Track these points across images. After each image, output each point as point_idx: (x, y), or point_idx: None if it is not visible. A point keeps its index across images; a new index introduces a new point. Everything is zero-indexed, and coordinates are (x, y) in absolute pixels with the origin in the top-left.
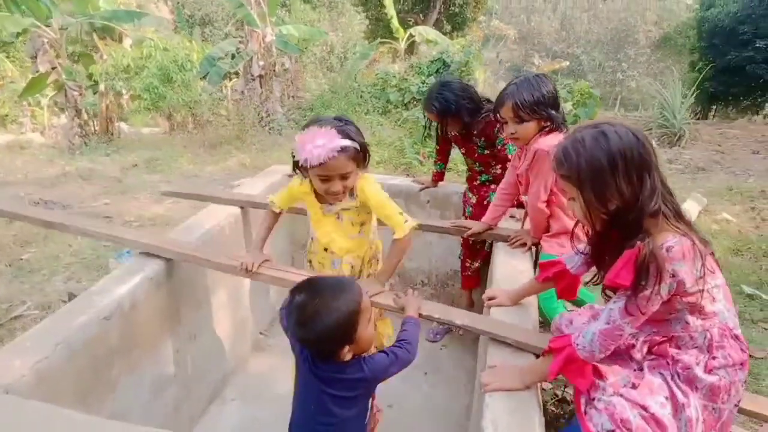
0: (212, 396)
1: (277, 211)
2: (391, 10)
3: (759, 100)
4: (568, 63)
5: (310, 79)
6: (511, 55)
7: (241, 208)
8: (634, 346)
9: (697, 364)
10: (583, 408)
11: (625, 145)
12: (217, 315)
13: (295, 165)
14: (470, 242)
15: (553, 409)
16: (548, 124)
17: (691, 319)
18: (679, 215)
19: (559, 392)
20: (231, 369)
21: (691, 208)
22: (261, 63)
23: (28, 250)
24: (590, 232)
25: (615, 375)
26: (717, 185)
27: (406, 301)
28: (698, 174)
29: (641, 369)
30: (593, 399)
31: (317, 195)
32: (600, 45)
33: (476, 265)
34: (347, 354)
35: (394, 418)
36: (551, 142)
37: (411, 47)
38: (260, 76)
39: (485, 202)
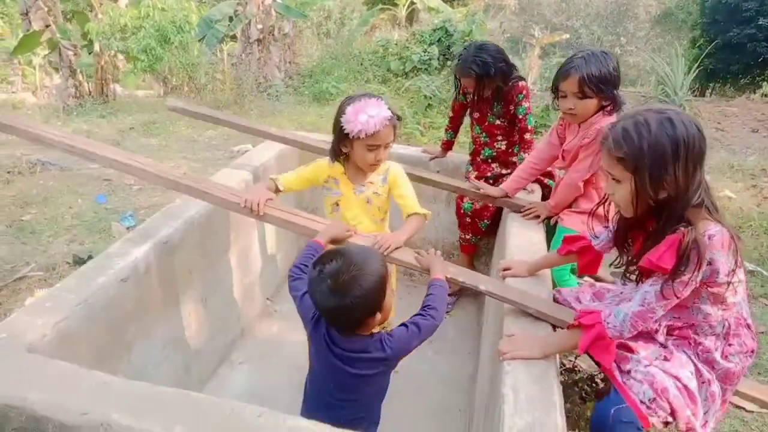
0: (221, 359)
1: (281, 189)
2: None
3: (757, 78)
4: (567, 36)
5: (308, 45)
6: (510, 25)
7: (252, 172)
8: (657, 330)
9: (716, 349)
10: (620, 379)
11: (689, 135)
12: (227, 279)
13: (339, 139)
14: (463, 214)
15: (565, 378)
16: (609, 103)
17: (712, 309)
18: (716, 208)
19: (567, 362)
20: (239, 333)
21: None
22: (260, 27)
23: (28, 211)
24: (620, 216)
25: (645, 350)
26: (718, 163)
27: (430, 260)
28: None
29: (666, 346)
30: (628, 371)
31: (349, 176)
32: (599, 18)
33: (468, 237)
34: (376, 323)
35: (400, 385)
36: (609, 120)
37: (411, 15)
38: (258, 41)
39: (484, 180)
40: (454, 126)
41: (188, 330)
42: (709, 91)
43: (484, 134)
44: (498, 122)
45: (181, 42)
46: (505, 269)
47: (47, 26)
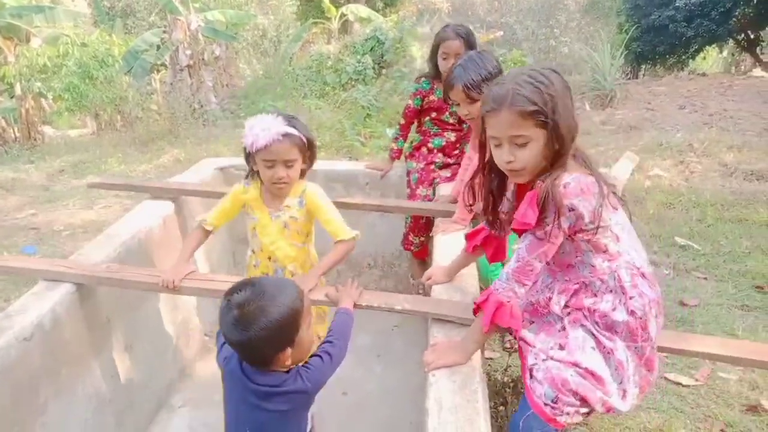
0: (159, 404)
1: (210, 229)
2: None
3: (683, 57)
4: (502, 33)
5: (243, 66)
6: None
7: (173, 201)
8: (551, 298)
9: (614, 309)
10: (528, 383)
11: (563, 82)
12: (154, 320)
13: (247, 157)
14: (419, 215)
15: (500, 378)
16: None
17: (597, 261)
18: (586, 157)
19: (505, 361)
20: (176, 375)
21: (624, 166)
22: (188, 52)
23: None
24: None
25: (542, 342)
26: (648, 142)
27: (341, 294)
28: (630, 132)
29: (564, 328)
30: (531, 371)
31: (265, 200)
32: (532, 13)
33: (422, 239)
34: (288, 358)
35: (350, 405)
36: None
37: (345, 26)
38: (189, 66)
39: (432, 167)
40: (405, 134)
41: (115, 380)
42: (642, 72)
43: (435, 128)
44: (451, 120)
45: (106, 76)
46: (428, 279)
47: None
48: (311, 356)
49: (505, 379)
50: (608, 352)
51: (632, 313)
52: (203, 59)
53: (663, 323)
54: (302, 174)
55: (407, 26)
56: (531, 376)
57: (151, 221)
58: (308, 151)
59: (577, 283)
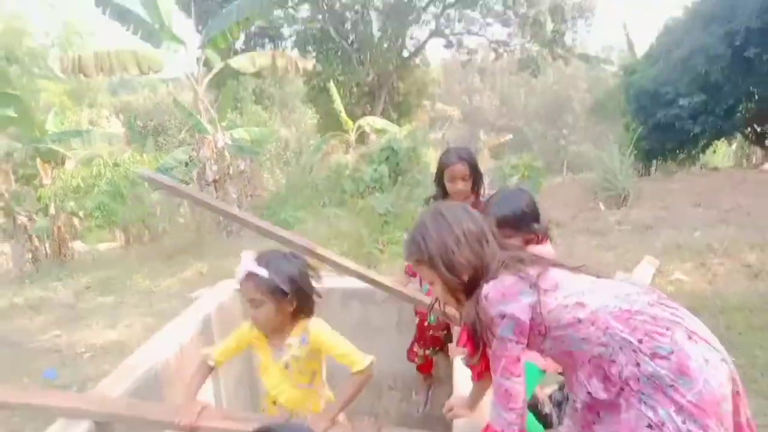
0: None
1: (212, 364)
2: (339, 105)
3: (693, 151)
4: (511, 136)
5: (267, 176)
6: (457, 133)
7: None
8: (589, 392)
9: (638, 364)
10: None
11: (460, 221)
12: None
13: None
14: (425, 326)
15: None
16: (533, 237)
17: (581, 333)
18: (521, 260)
19: None
20: None
21: (645, 271)
22: (214, 168)
23: None
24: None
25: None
26: (666, 242)
27: None
28: (647, 232)
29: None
30: None
31: (269, 339)
32: (539, 116)
33: (426, 352)
34: None
35: None
36: (542, 250)
37: (362, 137)
38: (215, 181)
39: None
40: None
41: None
42: (653, 168)
43: None
44: None
45: (136, 195)
46: (449, 410)
47: (0, 195)
48: None
49: None
50: (658, 425)
51: (656, 356)
52: (229, 174)
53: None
54: (303, 312)
55: (420, 135)
56: None
57: (168, 351)
58: (285, 293)
59: (589, 362)
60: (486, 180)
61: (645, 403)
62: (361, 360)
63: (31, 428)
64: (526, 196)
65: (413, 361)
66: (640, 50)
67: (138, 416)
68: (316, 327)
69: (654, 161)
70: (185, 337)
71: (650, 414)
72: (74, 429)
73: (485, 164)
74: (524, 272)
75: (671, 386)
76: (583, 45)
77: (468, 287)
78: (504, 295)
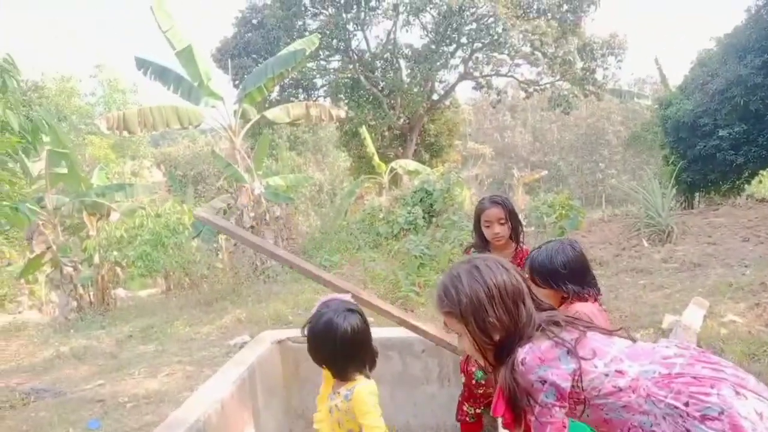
0: None
1: None
2: (371, 148)
3: (737, 182)
4: (546, 172)
5: (302, 219)
6: (491, 170)
7: (233, 383)
8: None
9: (687, 430)
10: None
11: (497, 278)
12: None
13: None
14: (475, 384)
15: None
16: (567, 295)
17: (623, 400)
18: (558, 323)
19: None
20: None
21: (694, 314)
22: (252, 215)
23: None
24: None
25: None
26: (716, 281)
27: None
28: (695, 270)
29: None
30: None
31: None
32: (574, 150)
33: (478, 411)
34: None
35: None
36: (578, 308)
37: (395, 179)
38: (252, 227)
39: None
40: None
41: None
42: (696, 201)
43: None
44: None
45: (176, 243)
46: None
47: (48, 248)
48: None
49: None
50: None
51: (706, 418)
52: (265, 219)
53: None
54: (355, 369)
55: (453, 176)
56: None
57: (208, 408)
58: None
59: (629, 430)
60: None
61: None
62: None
63: None
64: (567, 254)
65: (463, 420)
66: (673, 83)
67: None
68: (362, 388)
69: (697, 194)
70: (227, 393)
71: None
72: None
73: (520, 201)
74: (560, 338)
75: None
76: (614, 80)
77: (498, 348)
78: (542, 360)
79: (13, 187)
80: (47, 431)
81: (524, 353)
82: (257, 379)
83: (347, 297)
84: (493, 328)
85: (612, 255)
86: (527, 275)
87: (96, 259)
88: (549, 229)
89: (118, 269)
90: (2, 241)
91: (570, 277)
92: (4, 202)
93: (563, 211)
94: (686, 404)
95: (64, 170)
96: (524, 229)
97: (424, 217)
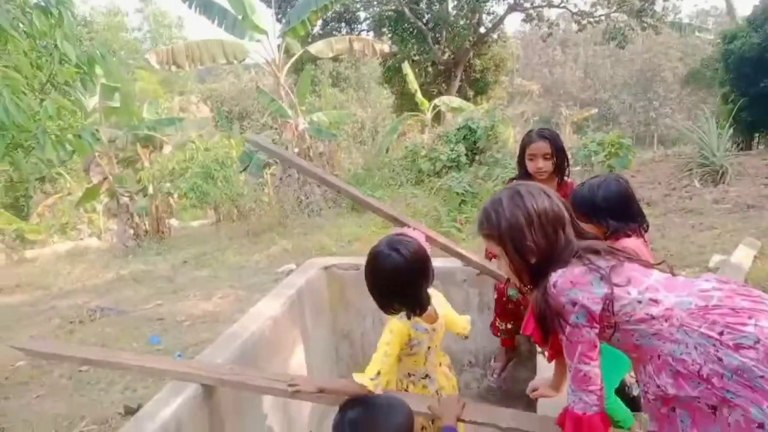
0: None
1: (377, 392)
2: (414, 84)
3: None
4: (596, 110)
5: (344, 156)
6: (538, 108)
7: (283, 304)
8: (659, 386)
9: (720, 359)
10: None
11: (538, 204)
12: (265, 420)
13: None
14: (503, 300)
15: None
16: (606, 230)
17: (654, 328)
18: (596, 251)
19: None
20: None
21: (744, 254)
22: (296, 150)
23: None
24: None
25: None
26: None
27: (443, 407)
28: (748, 212)
29: (714, 410)
30: None
31: None
32: (627, 87)
33: (509, 327)
34: None
35: None
36: (629, 244)
37: (438, 116)
38: None
39: None
40: None
41: None
42: (756, 142)
43: None
44: None
45: (225, 176)
46: (533, 390)
47: (105, 178)
48: None
49: None
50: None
51: (740, 347)
52: (309, 155)
53: None
54: (393, 306)
55: (498, 113)
56: None
57: (263, 324)
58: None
59: (658, 357)
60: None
61: (731, 403)
62: (366, 374)
63: (143, 386)
64: (610, 189)
65: (497, 335)
66: (741, 14)
67: (240, 381)
68: (390, 323)
69: (756, 135)
70: (278, 312)
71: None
72: (184, 390)
73: (567, 140)
74: (594, 264)
75: (762, 377)
76: (675, 12)
77: (534, 271)
78: (574, 284)
79: (75, 116)
80: (113, 343)
81: (557, 277)
82: (305, 301)
83: (415, 235)
84: (530, 251)
85: (661, 195)
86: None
87: (150, 190)
88: (596, 168)
89: (171, 200)
90: (62, 173)
91: (610, 212)
92: (69, 130)
93: (612, 150)
94: (721, 333)
95: (117, 104)
96: (571, 167)
97: (467, 155)
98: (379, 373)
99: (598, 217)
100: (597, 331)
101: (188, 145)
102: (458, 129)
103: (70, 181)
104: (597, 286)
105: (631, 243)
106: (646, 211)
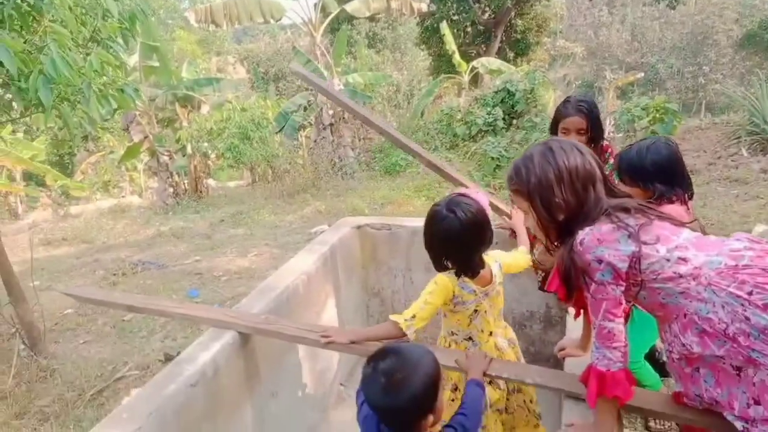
0: None
1: (411, 337)
2: (452, 45)
3: None
4: (641, 74)
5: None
6: (581, 71)
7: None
8: (684, 344)
9: (747, 318)
10: None
11: (569, 161)
12: (297, 370)
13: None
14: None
15: None
16: (651, 194)
17: (681, 286)
18: (625, 208)
19: None
20: (314, 422)
21: None
22: (330, 112)
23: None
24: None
25: (736, 401)
26: None
27: (470, 362)
28: None
29: (739, 370)
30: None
31: None
32: (676, 51)
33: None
34: (428, 425)
35: None
36: (672, 209)
37: (475, 79)
38: (330, 125)
39: None
40: None
41: (262, 425)
42: None
43: None
44: None
45: (261, 137)
46: (561, 350)
47: (145, 137)
48: (445, 426)
49: None
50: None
51: (764, 308)
52: (344, 118)
53: None
54: (443, 264)
55: (538, 76)
56: None
57: (297, 278)
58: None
59: (684, 316)
60: (611, 123)
61: (757, 362)
62: (404, 316)
63: (182, 336)
64: (660, 152)
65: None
66: None
67: (274, 330)
68: (437, 276)
69: None
70: (311, 267)
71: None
72: (222, 337)
73: (610, 106)
74: (623, 222)
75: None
76: None
77: (562, 228)
78: (600, 241)
79: (117, 71)
80: (154, 295)
81: (584, 234)
82: (338, 259)
83: (478, 197)
84: (558, 208)
85: (705, 163)
86: (615, 172)
87: (189, 150)
88: (639, 134)
89: (208, 160)
90: (104, 131)
91: (658, 176)
92: (112, 85)
93: (657, 115)
94: (750, 293)
95: (156, 63)
96: (613, 134)
97: (504, 119)
98: (414, 316)
99: (645, 181)
100: (623, 288)
101: (225, 105)
102: (496, 92)
103: (111, 140)
104: (624, 244)
105: (672, 209)
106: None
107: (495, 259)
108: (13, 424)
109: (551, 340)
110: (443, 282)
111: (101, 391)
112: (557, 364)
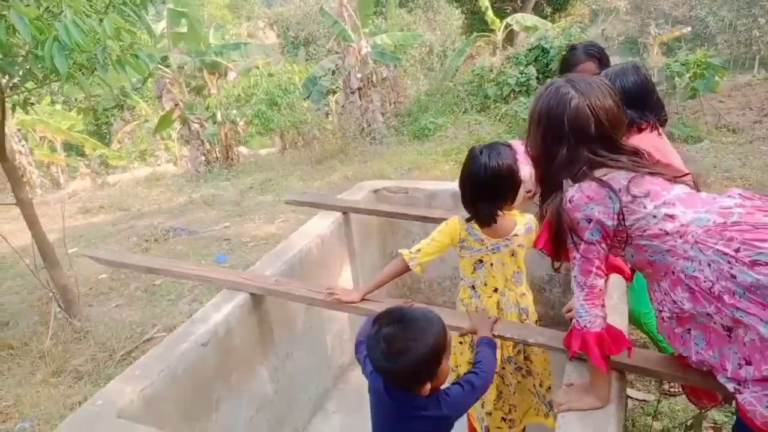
0: (314, 409)
1: (416, 269)
2: (485, 2)
3: None
4: (689, 29)
5: (410, 83)
6: (624, 27)
7: (344, 213)
8: (675, 301)
9: (734, 276)
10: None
11: (551, 108)
12: (312, 330)
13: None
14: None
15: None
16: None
17: (667, 244)
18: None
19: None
20: (331, 382)
21: None
22: (358, 76)
23: (160, 276)
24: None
25: (727, 361)
26: None
27: (476, 322)
28: None
29: (729, 330)
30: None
31: None
32: (728, 2)
33: None
34: (428, 390)
35: None
36: (641, 139)
37: (510, 37)
38: (359, 89)
39: None
40: None
41: (277, 383)
42: None
43: None
44: None
45: (288, 103)
46: (569, 310)
47: (176, 105)
48: (454, 383)
49: (655, 424)
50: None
51: (756, 264)
52: (372, 81)
53: None
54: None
55: (575, 32)
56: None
57: (311, 242)
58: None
59: (672, 273)
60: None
61: (744, 322)
62: (411, 250)
63: (208, 299)
64: (628, 78)
65: None
66: None
67: (285, 292)
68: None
69: None
70: (326, 231)
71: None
72: (234, 298)
73: (653, 62)
74: (607, 183)
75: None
76: None
77: (554, 172)
78: (590, 199)
79: (133, 36)
80: (183, 260)
81: (573, 191)
82: (353, 222)
83: (522, 157)
84: (555, 142)
85: (750, 122)
86: None
87: (218, 117)
88: (679, 93)
89: (237, 127)
90: (138, 100)
91: (628, 102)
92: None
93: (698, 71)
94: (737, 250)
95: (184, 29)
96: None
97: (538, 78)
98: (419, 250)
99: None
100: (608, 246)
101: (252, 71)
102: (529, 50)
103: (146, 109)
104: (612, 200)
105: (644, 140)
106: (729, 138)
107: (527, 220)
108: (51, 381)
109: (560, 303)
110: (453, 223)
111: (130, 351)
112: (566, 327)
